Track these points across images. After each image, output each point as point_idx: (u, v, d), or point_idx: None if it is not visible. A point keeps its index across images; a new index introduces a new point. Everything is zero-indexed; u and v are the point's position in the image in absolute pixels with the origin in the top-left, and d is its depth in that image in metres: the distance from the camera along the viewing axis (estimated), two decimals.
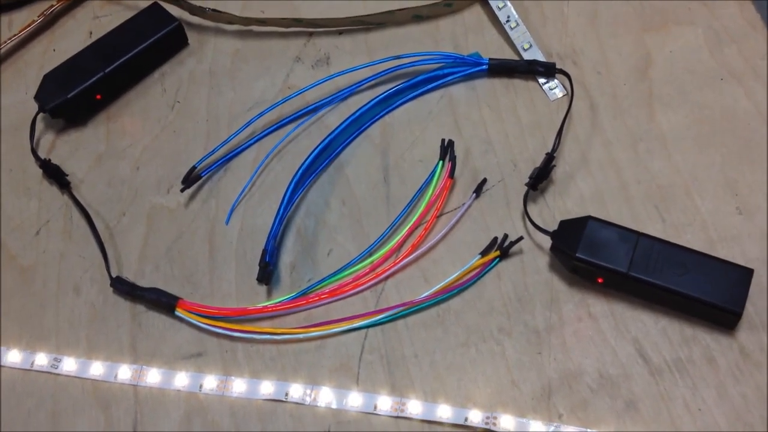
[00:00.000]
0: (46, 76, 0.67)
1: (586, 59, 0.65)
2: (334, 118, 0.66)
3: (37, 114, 0.66)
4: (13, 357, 0.58)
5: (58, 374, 0.57)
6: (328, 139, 0.64)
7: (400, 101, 0.66)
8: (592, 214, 0.55)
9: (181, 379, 0.56)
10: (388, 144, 0.64)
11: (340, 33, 0.70)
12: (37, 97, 0.66)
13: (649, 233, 0.54)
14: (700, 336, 0.53)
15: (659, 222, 0.57)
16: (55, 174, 0.65)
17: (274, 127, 0.66)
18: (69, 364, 0.58)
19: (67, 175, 0.65)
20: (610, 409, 0.52)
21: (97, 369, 0.57)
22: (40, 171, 0.66)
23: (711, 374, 0.52)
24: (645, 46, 0.65)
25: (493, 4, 0.67)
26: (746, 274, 0.52)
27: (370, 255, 0.59)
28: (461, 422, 0.52)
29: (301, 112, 0.66)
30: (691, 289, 0.51)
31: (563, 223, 0.56)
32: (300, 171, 0.62)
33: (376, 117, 0.66)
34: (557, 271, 0.57)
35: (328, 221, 0.61)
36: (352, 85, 0.67)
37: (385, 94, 0.65)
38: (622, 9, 0.67)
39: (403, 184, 0.62)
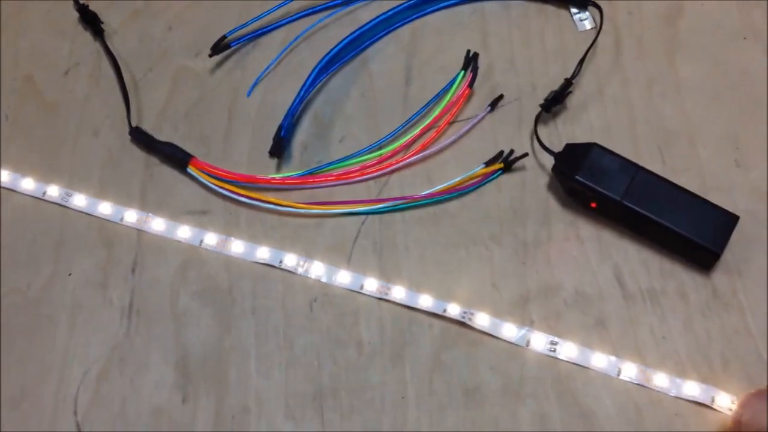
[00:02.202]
0: None
1: None
2: (366, 13, 0.67)
3: None
4: (27, 184, 0.61)
5: (68, 207, 0.60)
6: (358, 32, 0.65)
7: (434, 8, 0.67)
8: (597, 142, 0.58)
9: (184, 232, 0.59)
10: (415, 47, 0.66)
11: None
12: None
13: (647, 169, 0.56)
14: (678, 271, 0.56)
15: (659, 162, 0.59)
16: (91, 20, 0.67)
17: (308, 11, 0.68)
18: (79, 200, 0.60)
19: (103, 24, 0.67)
20: (580, 324, 0.55)
21: (105, 209, 0.60)
22: (77, 15, 0.67)
23: (681, 307, 0.55)
24: None
25: None
26: (732, 219, 0.54)
27: (380, 148, 0.62)
28: (439, 312, 0.55)
29: (335, 2, 0.68)
30: (677, 224, 0.54)
31: (569, 146, 0.58)
32: (326, 58, 0.64)
33: (408, 19, 0.67)
34: (554, 192, 0.59)
35: (345, 110, 0.63)
36: None
37: None
38: None
39: (422, 87, 0.64)
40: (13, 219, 0.60)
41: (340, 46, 0.64)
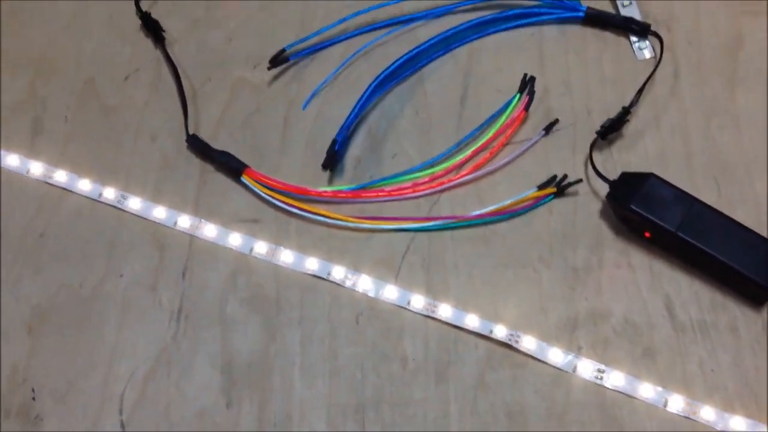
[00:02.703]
0: None
1: (680, 27, 0.66)
2: (425, 32, 0.68)
3: None
4: (84, 186, 0.62)
5: (123, 210, 0.61)
6: (416, 50, 0.66)
7: (492, 30, 0.67)
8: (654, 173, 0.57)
9: (235, 239, 0.60)
10: (472, 68, 0.66)
11: None
12: None
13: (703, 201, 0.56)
14: (730, 305, 0.55)
15: (715, 194, 0.59)
16: (153, 27, 0.68)
17: (367, 28, 0.68)
18: (134, 203, 0.61)
19: (164, 31, 0.68)
20: (627, 353, 0.54)
21: (159, 213, 0.61)
22: (139, 22, 0.68)
23: (731, 342, 0.54)
24: (740, 27, 0.66)
25: None
26: None
27: (432, 166, 0.62)
28: (486, 333, 0.55)
29: (395, 20, 0.68)
30: (731, 258, 0.53)
31: (624, 175, 0.58)
32: (383, 74, 0.64)
33: (466, 40, 0.67)
34: (607, 219, 0.59)
35: (399, 126, 0.64)
36: (449, 5, 0.68)
37: (480, 20, 0.67)
38: None
39: (477, 108, 0.64)
40: (69, 219, 0.61)
41: (398, 63, 0.65)
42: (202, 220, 0.60)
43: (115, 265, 0.59)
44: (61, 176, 0.62)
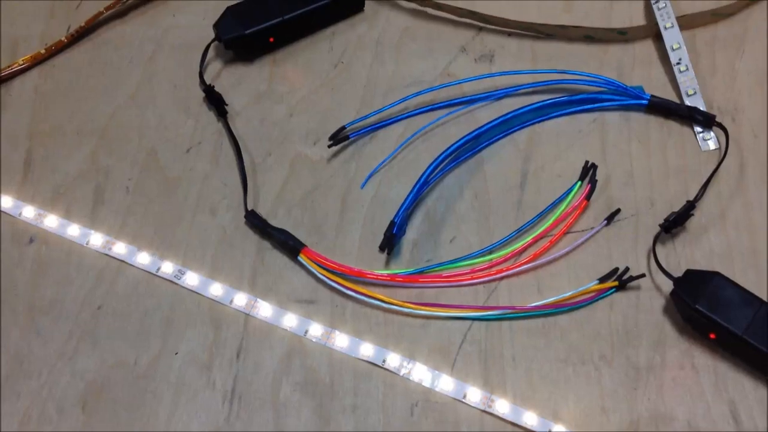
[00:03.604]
0: (229, 9, 0.70)
1: (745, 118, 0.65)
2: (485, 114, 0.68)
3: (212, 41, 0.70)
4: (143, 259, 0.62)
5: (180, 285, 0.61)
6: (476, 132, 0.65)
7: (554, 114, 0.67)
8: (719, 271, 0.56)
9: (290, 320, 0.59)
10: (532, 152, 0.66)
11: (509, 34, 0.72)
12: (215, 26, 0.70)
13: None
14: None
15: None
16: (216, 101, 0.68)
17: (427, 108, 0.68)
18: (191, 279, 0.61)
19: (227, 105, 0.68)
20: None
21: (216, 289, 0.61)
22: (202, 95, 0.69)
23: None
24: None
25: (667, 43, 0.68)
26: None
27: (491, 252, 0.61)
28: None
29: (455, 101, 0.68)
30: None
31: (689, 272, 0.56)
32: (443, 155, 0.64)
33: (527, 123, 0.67)
34: (670, 317, 0.58)
35: (457, 210, 0.63)
36: (510, 87, 0.68)
37: (541, 103, 0.67)
38: None
39: (537, 193, 0.64)
40: (126, 292, 0.61)
41: (457, 145, 0.65)
42: (258, 299, 0.60)
43: (170, 342, 0.59)
44: (120, 248, 0.63)
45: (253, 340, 0.59)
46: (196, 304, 0.60)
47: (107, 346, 0.59)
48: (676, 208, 0.60)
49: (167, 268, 0.62)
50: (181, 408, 0.57)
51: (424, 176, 0.63)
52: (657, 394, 0.55)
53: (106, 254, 0.62)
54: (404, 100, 0.67)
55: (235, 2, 0.71)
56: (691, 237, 0.60)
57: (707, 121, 0.64)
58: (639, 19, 0.71)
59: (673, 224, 0.59)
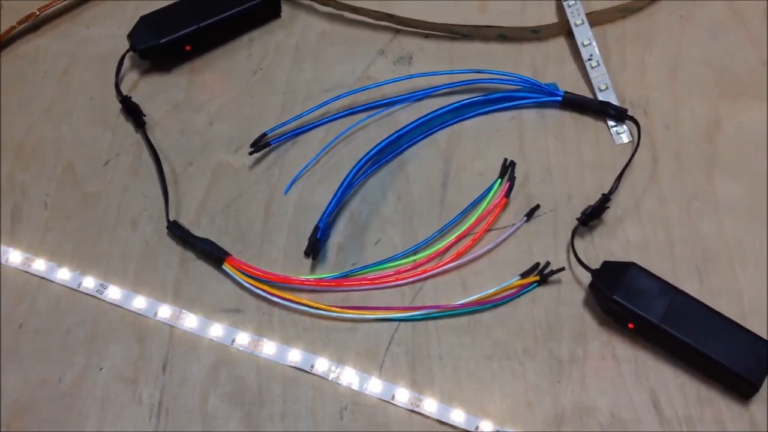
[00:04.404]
0: (142, 18, 0.70)
1: (657, 112, 0.67)
2: (405, 115, 0.68)
3: (127, 52, 0.69)
4: (63, 275, 0.61)
5: (102, 300, 0.60)
6: (397, 134, 0.66)
7: (472, 114, 0.68)
8: (635, 262, 0.58)
9: (216, 330, 0.59)
10: (453, 152, 0.66)
11: (427, 36, 0.73)
12: (130, 36, 0.69)
13: (685, 292, 0.56)
14: (715, 399, 0.55)
15: (697, 282, 0.59)
16: (133, 112, 0.68)
17: (347, 112, 0.69)
18: (114, 292, 0.60)
19: (145, 115, 0.68)
20: None
21: (139, 303, 0.60)
22: (119, 106, 0.68)
23: None
24: (717, 112, 0.67)
25: (579, 40, 0.69)
26: None
27: (415, 253, 0.62)
28: (471, 429, 0.54)
29: (375, 104, 0.69)
30: (715, 352, 0.53)
31: (606, 264, 0.58)
32: (364, 159, 0.64)
33: (446, 123, 0.68)
34: (590, 309, 0.59)
35: (381, 212, 0.64)
36: (429, 88, 0.69)
37: (459, 103, 0.68)
38: (702, 71, 0.69)
39: (459, 192, 0.64)
40: (48, 309, 0.60)
41: (378, 147, 0.65)
42: (183, 310, 0.60)
43: (94, 357, 0.58)
44: (40, 265, 0.61)
45: (179, 352, 0.58)
46: (119, 318, 0.60)
47: (30, 364, 0.58)
48: (593, 201, 0.62)
49: (89, 283, 0.61)
50: (108, 424, 0.56)
51: (347, 180, 0.63)
52: (580, 385, 0.56)
53: (26, 271, 0.61)
54: (324, 104, 0.67)
55: (149, 11, 0.70)
56: (608, 229, 0.62)
57: (620, 115, 0.66)
58: (551, 17, 0.72)
59: (590, 217, 0.60)
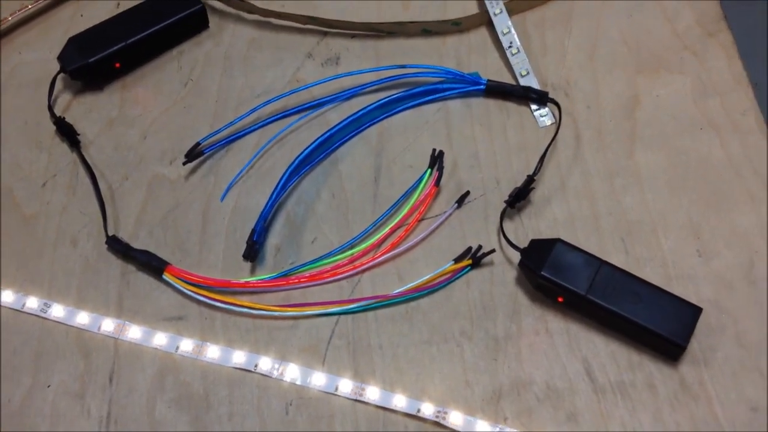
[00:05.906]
0: (71, 40, 0.71)
1: (578, 92, 0.69)
2: (335, 115, 0.69)
3: (57, 74, 0.70)
4: (7, 297, 0.62)
5: (46, 318, 0.61)
6: (328, 134, 0.67)
7: (399, 108, 0.70)
8: (563, 238, 0.59)
9: (160, 339, 0.60)
10: (383, 147, 0.68)
11: (353, 36, 0.74)
12: (60, 58, 0.70)
13: (612, 262, 0.58)
14: (646, 363, 0.57)
15: (623, 253, 0.61)
16: (67, 132, 0.68)
17: (279, 116, 0.70)
18: (57, 311, 0.61)
19: (79, 135, 0.69)
20: (551, 419, 0.55)
21: (83, 318, 0.61)
22: (54, 127, 0.69)
23: (650, 400, 0.56)
24: (635, 88, 0.69)
25: (498, 28, 0.71)
26: (695, 311, 0.56)
27: (351, 248, 0.63)
28: (413, 413, 0.56)
29: (305, 106, 0.70)
30: (642, 318, 0.55)
31: (533, 242, 0.59)
32: (297, 160, 0.66)
33: (375, 120, 0.69)
34: (522, 286, 0.60)
35: (316, 211, 0.65)
36: (356, 87, 0.70)
37: (386, 99, 0.69)
38: (619, 49, 0.71)
39: (391, 185, 0.66)
40: None
41: (310, 148, 0.66)
42: (126, 322, 0.61)
43: (41, 376, 0.59)
44: None
45: (125, 363, 0.59)
46: (64, 335, 0.60)
47: None
48: (520, 184, 0.63)
49: (32, 303, 0.62)
50: None
51: (281, 182, 0.65)
52: (516, 361, 0.58)
53: None
54: (255, 110, 0.69)
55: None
56: (536, 209, 0.63)
57: (541, 98, 0.68)
58: (472, 9, 0.74)
59: (516, 199, 0.62)
